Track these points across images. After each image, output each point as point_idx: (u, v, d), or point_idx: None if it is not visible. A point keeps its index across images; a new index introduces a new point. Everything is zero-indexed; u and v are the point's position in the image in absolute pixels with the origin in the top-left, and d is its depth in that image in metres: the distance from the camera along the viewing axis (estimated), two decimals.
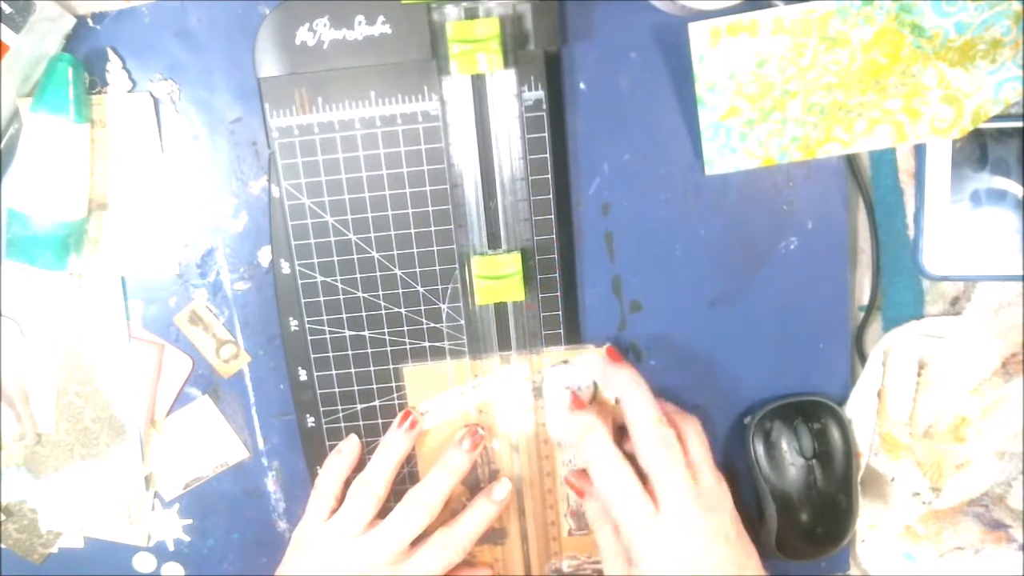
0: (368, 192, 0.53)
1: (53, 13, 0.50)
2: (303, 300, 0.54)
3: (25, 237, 0.51)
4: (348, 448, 0.56)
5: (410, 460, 0.57)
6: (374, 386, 0.56)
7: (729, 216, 0.55)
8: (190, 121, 0.54)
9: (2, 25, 0.47)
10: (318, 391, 0.56)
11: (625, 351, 0.56)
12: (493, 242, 0.53)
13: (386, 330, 0.55)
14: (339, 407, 0.56)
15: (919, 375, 0.56)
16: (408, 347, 0.55)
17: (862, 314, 0.58)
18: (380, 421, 0.56)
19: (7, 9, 0.47)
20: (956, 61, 0.51)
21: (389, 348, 0.55)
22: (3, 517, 0.59)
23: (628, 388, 0.52)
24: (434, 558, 0.53)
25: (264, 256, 0.55)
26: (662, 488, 0.49)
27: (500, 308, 0.55)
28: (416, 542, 0.54)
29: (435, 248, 0.53)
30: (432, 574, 0.53)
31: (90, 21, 0.52)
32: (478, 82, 0.51)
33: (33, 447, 0.57)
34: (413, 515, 0.53)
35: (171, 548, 0.59)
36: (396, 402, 0.56)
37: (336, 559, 0.53)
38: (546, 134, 0.52)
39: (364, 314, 0.54)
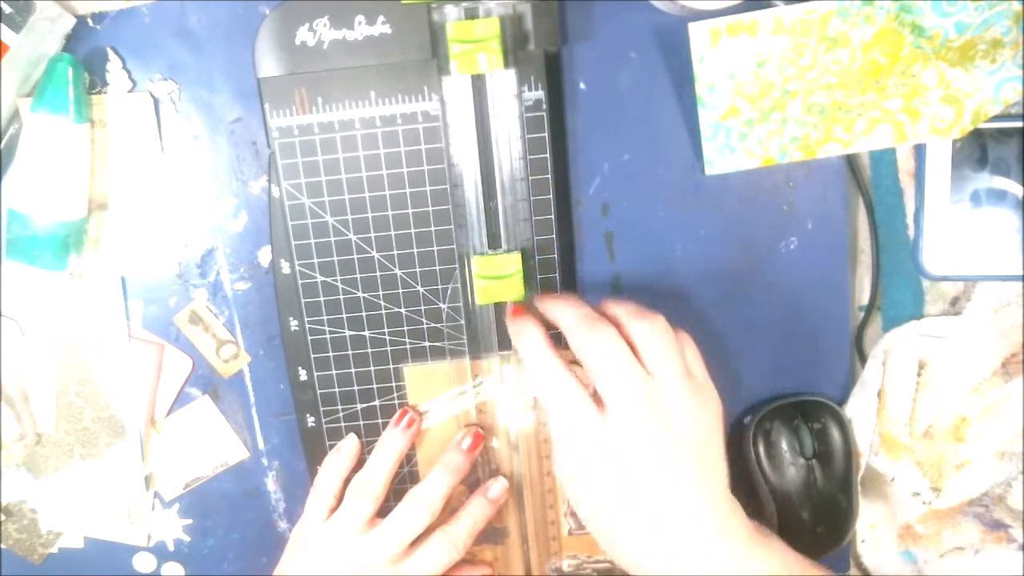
0: (368, 192, 0.53)
1: (53, 13, 0.50)
2: (303, 300, 0.54)
3: (25, 237, 0.51)
4: (347, 448, 0.56)
5: (410, 460, 0.57)
6: (374, 386, 0.56)
7: (729, 216, 0.55)
8: (190, 121, 0.54)
9: (2, 25, 0.47)
10: (318, 391, 0.56)
11: None
12: (493, 242, 0.53)
13: (386, 330, 0.55)
14: (339, 407, 0.56)
15: (919, 375, 0.56)
16: (408, 347, 0.55)
17: (862, 314, 0.58)
18: (380, 421, 0.56)
19: (7, 9, 0.47)
20: (956, 61, 0.51)
21: (389, 348, 0.55)
22: (3, 517, 0.59)
23: (549, 303, 0.49)
24: (433, 557, 0.53)
25: (264, 256, 0.55)
26: (603, 386, 0.44)
27: (500, 308, 0.55)
28: (415, 542, 0.54)
29: (435, 248, 0.53)
30: (431, 573, 0.53)
31: (90, 21, 0.52)
32: (478, 82, 0.51)
33: (33, 447, 0.57)
34: (413, 515, 0.53)
35: (171, 548, 0.59)
36: (396, 402, 0.56)
37: (335, 558, 0.53)
38: (546, 134, 0.52)
39: (364, 314, 0.54)
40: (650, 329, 0.46)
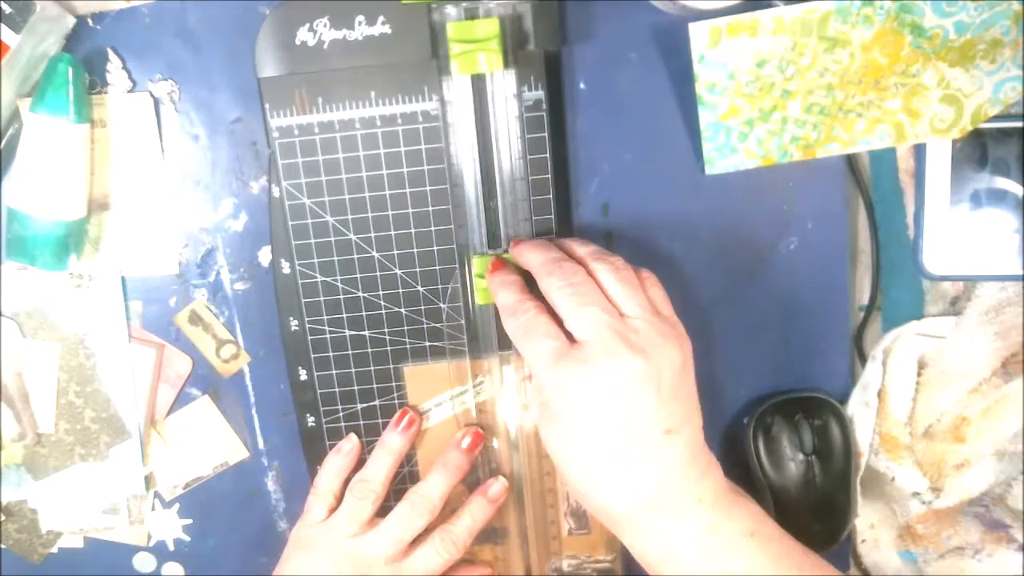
0: (368, 192, 0.53)
1: (53, 13, 0.50)
2: (303, 300, 0.54)
3: (25, 237, 0.51)
4: (348, 448, 0.56)
5: (410, 460, 0.57)
6: (374, 386, 0.56)
7: (729, 216, 0.55)
8: (190, 121, 0.54)
9: (2, 25, 0.47)
10: (318, 391, 0.56)
11: None
12: (493, 242, 0.53)
13: (386, 330, 0.55)
14: (339, 407, 0.56)
15: (919, 375, 0.56)
16: (408, 347, 0.55)
17: (862, 314, 0.58)
18: (380, 421, 0.56)
19: (7, 9, 0.47)
20: (956, 61, 0.51)
21: (389, 348, 0.55)
22: (3, 517, 0.59)
23: (520, 248, 0.49)
24: (432, 557, 0.53)
25: (264, 256, 0.55)
26: (573, 322, 0.44)
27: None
28: (414, 542, 0.54)
29: (435, 248, 0.53)
30: (430, 573, 0.53)
31: (90, 21, 0.52)
32: (478, 82, 0.51)
33: (33, 447, 0.57)
34: (412, 515, 0.53)
35: (171, 548, 0.59)
36: (396, 402, 0.56)
37: (335, 558, 0.53)
38: (546, 134, 0.52)
39: (364, 314, 0.54)
40: (612, 269, 0.46)
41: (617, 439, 0.43)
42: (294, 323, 0.55)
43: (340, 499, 0.55)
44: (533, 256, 0.48)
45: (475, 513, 0.55)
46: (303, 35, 0.50)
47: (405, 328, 0.55)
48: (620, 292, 0.45)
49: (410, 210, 0.53)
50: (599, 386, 0.43)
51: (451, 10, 0.50)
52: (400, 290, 0.54)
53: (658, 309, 0.46)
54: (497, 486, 0.56)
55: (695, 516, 0.44)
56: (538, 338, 0.44)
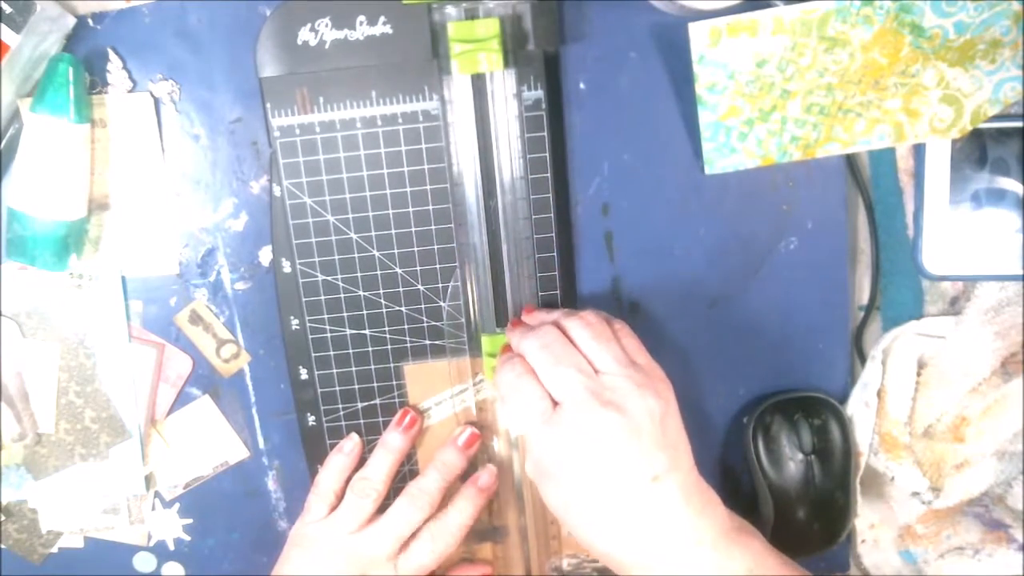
0: (369, 191, 0.53)
1: (53, 13, 0.50)
2: (304, 299, 0.54)
3: (25, 237, 0.51)
4: (349, 447, 0.56)
5: (410, 459, 0.57)
6: (375, 384, 0.56)
7: (729, 216, 0.55)
8: (190, 121, 0.54)
9: (2, 25, 0.47)
10: (319, 390, 0.56)
11: None
12: (493, 240, 0.53)
13: (387, 328, 0.55)
14: (340, 406, 0.56)
15: (919, 375, 0.56)
16: (409, 345, 0.55)
17: (862, 314, 0.58)
18: (381, 419, 0.56)
19: (7, 9, 0.47)
20: (956, 61, 0.51)
21: (390, 346, 0.55)
22: (3, 517, 0.59)
23: (510, 333, 0.51)
24: (428, 550, 0.53)
25: (265, 255, 0.55)
26: (550, 385, 0.45)
27: (500, 308, 0.55)
28: (410, 537, 0.54)
29: (436, 247, 0.54)
30: (427, 565, 0.53)
31: (90, 21, 0.52)
32: (478, 82, 0.51)
33: (33, 447, 0.57)
34: (412, 509, 0.53)
35: (171, 548, 0.59)
36: (397, 400, 0.56)
37: (335, 556, 0.53)
38: (546, 134, 0.52)
39: (365, 313, 0.54)
40: (583, 325, 0.47)
41: (606, 492, 0.44)
42: (295, 322, 0.55)
43: (341, 498, 0.55)
44: (512, 333, 0.50)
45: (466, 503, 0.55)
46: (304, 35, 0.50)
47: (405, 327, 0.55)
48: (593, 348, 0.46)
49: (410, 209, 0.53)
50: (581, 446, 0.44)
51: (451, 10, 0.50)
52: (400, 289, 0.54)
53: (633, 359, 0.47)
54: (487, 476, 0.56)
55: (695, 558, 0.44)
56: (522, 401, 0.46)
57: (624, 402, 0.44)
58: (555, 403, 0.45)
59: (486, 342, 0.55)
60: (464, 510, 0.55)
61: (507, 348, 0.51)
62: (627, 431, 0.44)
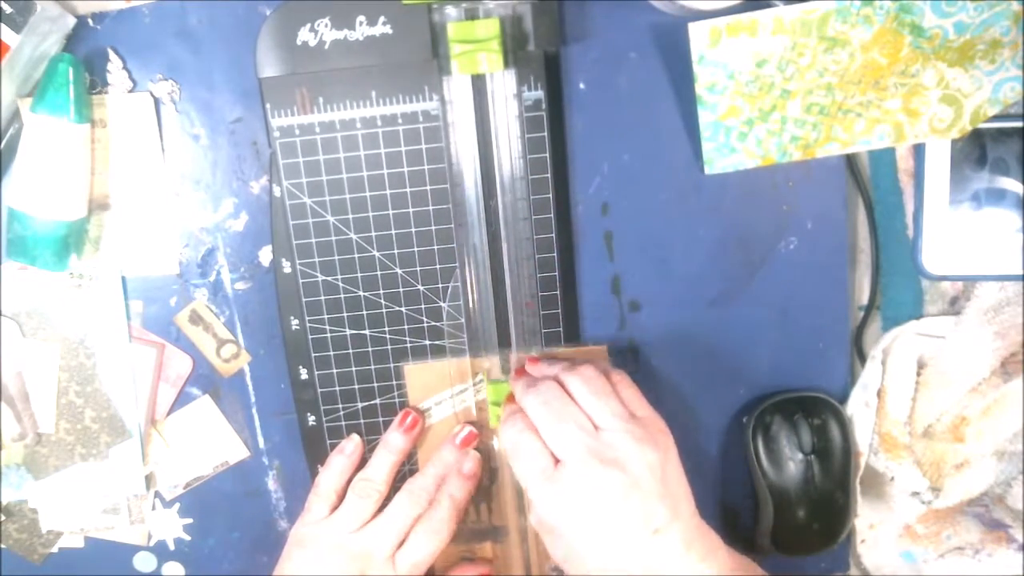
0: (369, 191, 0.53)
1: (53, 13, 0.50)
2: (304, 299, 0.54)
3: (25, 237, 0.51)
4: (351, 448, 0.56)
5: (410, 458, 0.57)
6: (375, 384, 0.56)
7: (729, 216, 0.55)
8: (191, 121, 0.54)
9: (2, 25, 0.47)
10: (319, 390, 0.56)
11: (624, 350, 0.56)
12: (493, 240, 0.53)
13: (387, 328, 0.55)
14: (340, 406, 0.56)
15: (919, 375, 0.56)
16: (409, 345, 0.55)
17: (862, 314, 0.58)
18: (381, 419, 0.56)
19: (7, 9, 0.47)
20: (955, 61, 0.51)
21: (390, 346, 0.55)
22: (3, 517, 0.59)
23: (514, 384, 0.52)
24: (424, 543, 0.53)
25: (265, 255, 0.55)
26: (551, 444, 0.47)
27: (500, 307, 0.55)
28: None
29: (436, 247, 0.54)
30: (425, 560, 0.53)
31: (90, 21, 0.52)
32: (478, 82, 0.51)
33: (33, 447, 0.57)
34: (411, 504, 0.54)
35: (172, 547, 0.59)
36: (397, 400, 0.56)
37: (336, 555, 0.53)
38: (546, 134, 0.52)
39: (365, 313, 0.55)
40: (582, 381, 0.48)
41: (609, 547, 0.45)
42: (295, 322, 0.55)
43: (342, 498, 0.55)
44: (516, 384, 0.51)
45: (453, 492, 0.55)
46: (304, 35, 0.50)
47: (405, 327, 0.55)
48: (593, 403, 0.47)
49: (411, 209, 0.53)
50: (583, 504, 0.45)
51: (451, 10, 0.50)
52: (400, 289, 0.54)
53: (632, 411, 0.48)
54: (470, 462, 0.56)
55: None
56: (525, 458, 0.47)
57: (624, 458, 0.45)
58: (557, 459, 0.46)
59: (491, 391, 0.56)
60: (452, 499, 0.54)
61: (511, 398, 0.52)
62: (627, 487, 0.45)
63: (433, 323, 0.55)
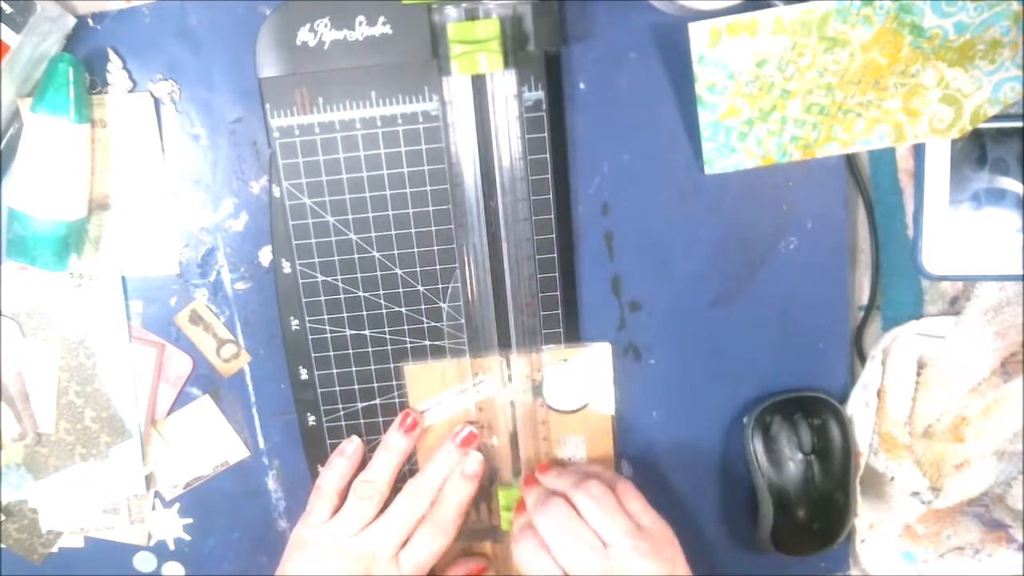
0: (369, 192, 0.53)
1: (53, 13, 0.50)
2: (304, 299, 0.54)
3: (25, 237, 0.51)
4: (351, 450, 0.56)
5: (410, 458, 0.57)
6: (375, 385, 0.56)
7: (729, 216, 0.55)
8: (190, 121, 0.54)
9: (2, 25, 0.47)
10: (319, 390, 0.56)
11: (624, 351, 0.57)
12: (493, 241, 0.53)
13: (387, 329, 0.55)
14: (340, 406, 0.56)
15: (918, 375, 0.56)
16: (409, 346, 0.55)
17: (862, 314, 0.58)
18: (381, 420, 0.56)
19: (7, 9, 0.47)
20: (955, 61, 0.51)
21: (390, 347, 0.55)
22: (3, 517, 0.59)
23: (525, 492, 0.54)
24: (428, 543, 0.53)
25: (265, 256, 0.55)
26: (563, 564, 0.49)
27: (500, 308, 0.55)
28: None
29: (436, 247, 0.54)
30: (429, 560, 0.53)
31: (90, 21, 0.52)
32: (478, 82, 0.51)
33: (33, 447, 0.57)
34: (410, 508, 0.54)
35: (172, 547, 0.59)
36: (397, 400, 0.56)
37: (338, 557, 0.53)
38: (546, 134, 0.52)
39: (365, 313, 0.55)
40: (589, 497, 0.50)
41: None
42: (295, 322, 0.55)
43: (343, 500, 0.55)
44: (528, 494, 0.54)
45: (455, 493, 0.55)
46: (304, 35, 0.50)
47: (405, 327, 0.55)
48: (599, 520, 0.50)
49: (410, 210, 0.53)
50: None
51: (451, 11, 0.50)
52: (400, 289, 0.54)
53: (639, 523, 0.50)
54: (472, 462, 0.56)
55: None
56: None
57: (664, 548, 0.49)
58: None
59: (502, 496, 0.57)
60: (454, 500, 0.55)
61: (521, 505, 0.54)
62: (667, 570, 0.48)
63: (433, 323, 0.55)
